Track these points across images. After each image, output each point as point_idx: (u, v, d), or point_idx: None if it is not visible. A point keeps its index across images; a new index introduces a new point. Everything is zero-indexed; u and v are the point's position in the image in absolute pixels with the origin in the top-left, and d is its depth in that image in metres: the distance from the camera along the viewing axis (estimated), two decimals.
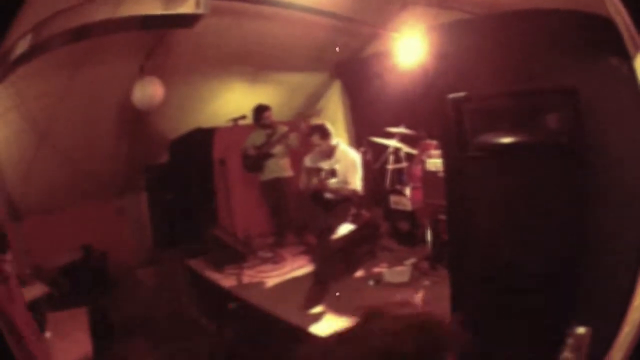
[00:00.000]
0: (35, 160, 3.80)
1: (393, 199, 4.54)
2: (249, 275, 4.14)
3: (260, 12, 4.21)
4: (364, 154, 4.59)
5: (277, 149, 4.81)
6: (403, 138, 4.66)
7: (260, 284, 4.02)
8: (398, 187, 4.60)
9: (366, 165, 4.53)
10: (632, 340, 1.54)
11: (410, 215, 4.39)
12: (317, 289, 3.61)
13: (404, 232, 4.45)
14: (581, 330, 1.96)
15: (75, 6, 2.74)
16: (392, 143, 4.67)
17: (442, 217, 3.80)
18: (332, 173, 3.98)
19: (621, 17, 1.61)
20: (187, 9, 3.37)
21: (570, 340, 1.99)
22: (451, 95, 2.30)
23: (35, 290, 3.12)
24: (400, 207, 4.47)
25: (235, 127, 4.80)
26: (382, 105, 5.10)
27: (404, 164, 4.75)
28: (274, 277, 4.14)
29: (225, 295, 3.90)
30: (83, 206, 4.31)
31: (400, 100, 4.76)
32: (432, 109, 3.08)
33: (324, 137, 4.10)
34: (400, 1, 4.60)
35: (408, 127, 4.62)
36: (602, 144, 1.95)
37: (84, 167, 4.17)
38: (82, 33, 2.91)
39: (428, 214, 4.00)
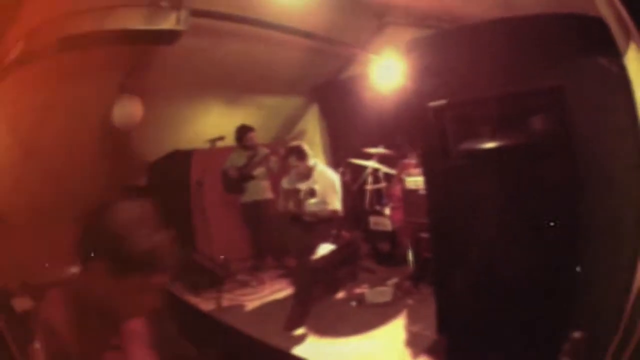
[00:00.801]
0: (21, 174, 3.71)
1: (373, 219, 4.53)
2: (228, 299, 4.04)
3: (239, 33, 4.23)
4: (343, 175, 4.58)
5: (258, 171, 4.77)
6: (381, 158, 4.69)
7: (240, 307, 3.93)
8: (377, 207, 4.60)
9: (345, 186, 4.53)
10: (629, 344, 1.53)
11: (390, 236, 4.38)
12: (298, 311, 3.53)
13: (385, 252, 4.44)
14: (578, 335, 1.95)
15: (63, 16, 2.73)
16: (371, 164, 4.69)
17: (424, 235, 3.82)
18: (311, 193, 3.95)
19: (611, 11, 1.61)
20: (167, 25, 3.38)
21: (567, 346, 1.98)
22: (432, 103, 2.31)
23: (25, 304, 3.02)
24: (380, 228, 4.46)
25: (214, 149, 4.74)
26: (360, 127, 5.15)
27: (383, 184, 4.76)
28: (253, 300, 4.05)
29: (205, 318, 3.79)
30: (67, 225, 4.17)
31: (378, 122, 4.81)
32: (412, 123, 3.09)
33: (301, 158, 4.09)
34: (377, 22, 4.70)
35: (386, 147, 4.64)
36: (591, 142, 1.96)
37: (66, 186, 4.06)
38: (68, 43, 2.89)
39: (409, 233, 4.00)
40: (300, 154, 4.09)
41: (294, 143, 4.21)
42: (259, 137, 4.99)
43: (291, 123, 6.04)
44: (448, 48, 2.56)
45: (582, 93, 2.02)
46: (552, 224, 2.10)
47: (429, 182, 2.70)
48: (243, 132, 4.80)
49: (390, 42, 4.51)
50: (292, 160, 4.11)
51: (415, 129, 2.85)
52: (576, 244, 2.09)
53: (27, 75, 2.95)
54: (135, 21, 3.25)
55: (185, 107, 4.87)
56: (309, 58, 5.10)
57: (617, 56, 1.72)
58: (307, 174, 4.11)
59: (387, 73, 4.39)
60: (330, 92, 5.67)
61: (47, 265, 3.75)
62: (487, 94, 2.19)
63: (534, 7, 2.31)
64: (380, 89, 4.52)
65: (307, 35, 4.44)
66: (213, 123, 5.10)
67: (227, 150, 4.88)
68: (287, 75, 5.34)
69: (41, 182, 3.96)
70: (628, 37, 1.60)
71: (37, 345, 2.70)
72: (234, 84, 5.02)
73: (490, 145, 2.16)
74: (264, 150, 4.80)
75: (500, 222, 2.25)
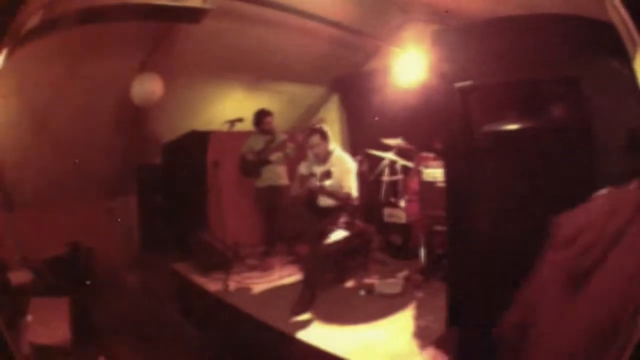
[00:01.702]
0: (30, 149, 3.70)
1: (387, 211, 4.46)
2: (236, 281, 4.01)
3: (263, 18, 4.21)
4: (360, 165, 4.51)
5: (275, 157, 4.75)
6: (400, 151, 4.61)
7: (246, 290, 3.89)
8: (393, 199, 4.53)
9: (361, 177, 4.46)
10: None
11: (404, 229, 4.31)
12: (306, 295, 3.48)
13: (397, 245, 4.36)
14: None
15: None
16: (389, 156, 4.62)
17: (438, 228, 3.75)
18: (327, 175, 3.89)
19: (620, 19, 1.63)
20: (194, 2, 3.36)
21: None
22: (458, 84, 2.27)
23: (22, 277, 3.04)
24: (394, 220, 4.39)
25: (231, 132, 4.72)
26: (379, 120, 5.09)
27: (399, 177, 4.69)
28: (261, 283, 4.01)
29: (211, 299, 3.77)
30: (74, 202, 4.18)
31: (399, 116, 4.74)
32: (436, 107, 3.04)
33: (324, 138, 4.05)
34: (401, 17, 4.63)
35: (405, 139, 4.57)
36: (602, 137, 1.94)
37: (78, 161, 4.07)
38: (91, 15, 2.87)
39: (424, 226, 3.93)
40: (323, 134, 4.05)
41: (317, 125, 4.17)
42: (279, 123, 4.97)
43: (311, 112, 5.99)
44: (472, 39, 2.53)
45: (594, 90, 1.99)
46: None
47: (449, 167, 2.64)
48: (261, 116, 4.78)
49: (414, 37, 4.46)
50: (315, 139, 4.06)
51: (439, 112, 2.79)
52: None
53: (45, 46, 2.96)
54: None
55: (205, 89, 4.86)
56: (333, 48, 5.06)
57: (627, 60, 1.72)
58: (325, 157, 4.05)
59: (410, 67, 4.34)
60: (352, 84, 5.62)
61: None
62: (504, 78, 2.14)
63: (552, 8, 2.28)
64: (402, 82, 4.45)
65: (333, 24, 4.40)
66: (233, 107, 5.08)
67: (245, 134, 4.86)
68: (310, 65, 5.29)
69: (51, 158, 3.97)
70: (635, 44, 1.62)
71: (29, 318, 2.73)
72: (256, 69, 5.00)
73: (513, 126, 2.10)
74: (282, 136, 4.78)
75: (516, 209, 2.19)
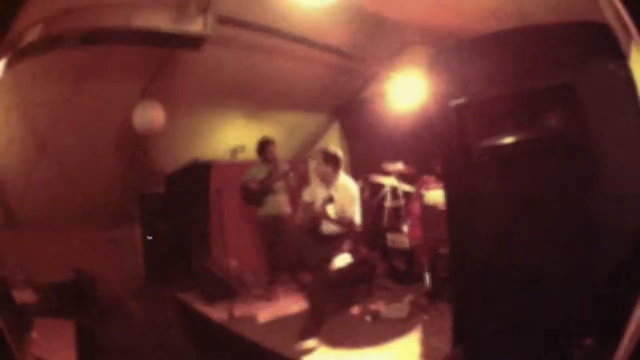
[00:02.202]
0: (32, 169, 3.72)
1: (390, 237, 4.47)
2: (240, 309, 3.99)
3: (264, 46, 4.31)
4: (362, 191, 4.55)
5: (277, 186, 4.80)
6: (401, 176, 4.65)
7: (252, 318, 3.87)
8: (395, 224, 4.54)
9: (364, 203, 4.49)
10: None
11: (407, 254, 4.31)
12: (312, 321, 3.47)
13: (401, 270, 4.35)
14: (589, 341, 1.90)
15: (89, 7, 2.78)
16: (390, 181, 4.65)
17: (442, 251, 3.75)
18: (330, 200, 3.93)
19: (614, 14, 1.64)
20: (194, 29, 3.45)
21: (578, 353, 1.92)
22: (454, 101, 2.32)
23: (26, 296, 3.03)
24: (397, 245, 4.39)
25: (233, 161, 4.79)
26: (380, 146, 5.14)
27: (401, 202, 4.71)
28: (266, 311, 3.99)
29: (216, 328, 3.75)
30: (77, 228, 4.19)
31: (399, 140, 4.80)
32: (434, 126, 3.10)
33: (337, 169, 4.11)
34: (399, 41, 4.73)
35: (406, 164, 4.62)
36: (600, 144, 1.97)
37: (80, 187, 4.09)
38: (92, 37, 2.95)
39: (427, 250, 3.94)
40: (337, 164, 4.11)
41: (331, 149, 4.23)
42: (280, 152, 5.02)
43: (312, 140, 6.05)
44: (467, 57, 2.60)
45: (591, 96, 2.04)
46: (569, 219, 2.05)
47: (448, 185, 2.68)
48: (265, 145, 4.85)
49: (412, 60, 4.55)
50: (327, 167, 4.11)
51: (437, 132, 2.85)
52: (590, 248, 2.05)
53: (47, 63, 3.01)
54: (161, 21, 3.33)
55: (206, 117, 4.93)
56: (332, 75, 5.15)
57: (623, 60, 1.76)
58: (331, 180, 4.10)
59: (408, 91, 4.42)
60: (351, 111, 5.69)
61: None
62: (503, 92, 2.20)
63: (545, 17, 2.34)
64: (401, 107, 4.53)
65: (331, 50, 4.50)
66: (234, 135, 5.14)
67: (247, 164, 4.92)
68: (310, 93, 5.38)
69: (53, 181, 3.97)
70: (630, 39, 1.64)
71: (34, 335, 2.73)
72: (256, 98, 5.08)
73: (509, 140, 2.15)
74: (284, 166, 4.83)
75: (516, 219, 2.22)
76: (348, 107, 5.72)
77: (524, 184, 2.18)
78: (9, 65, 2.46)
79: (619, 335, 1.70)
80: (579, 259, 2.17)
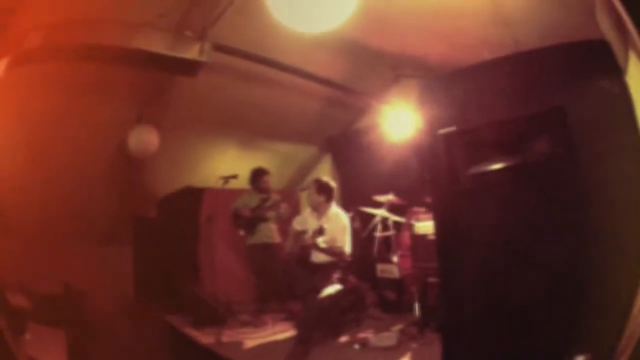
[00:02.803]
0: (25, 179, 3.67)
1: (380, 267, 4.48)
2: (228, 335, 3.94)
3: (259, 76, 4.40)
4: (352, 221, 4.59)
5: (269, 215, 4.82)
6: (391, 207, 4.70)
7: (239, 344, 3.82)
8: (385, 255, 4.56)
9: (354, 234, 4.52)
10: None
11: (397, 284, 4.32)
12: (299, 349, 3.44)
13: (391, 300, 4.34)
14: (580, 358, 1.91)
15: (89, 21, 2.84)
16: (380, 212, 4.70)
17: (431, 280, 3.77)
18: (320, 231, 3.96)
19: (611, 25, 1.67)
20: (190, 55, 3.53)
21: None
22: (442, 130, 2.39)
23: (20, 300, 2.98)
24: (387, 275, 4.40)
25: (225, 189, 4.81)
26: (371, 177, 5.20)
27: (391, 232, 4.74)
28: (254, 338, 3.95)
29: (204, 352, 3.69)
30: (69, 242, 4.14)
31: (390, 172, 4.87)
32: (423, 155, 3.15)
33: (329, 199, 4.15)
34: (390, 73, 4.86)
35: (396, 195, 4.68)
36: (595, 161, 2.00)
37: (74, 204, 4.07)
38: (92, 53, 3.00)
39: (417, 280, 3.95)
40: (329, 196, 4.16)
41: (325, 179, 4.28)
42: (272, 182, 5.07)
43: (304, 171, 6.10)
44: (457, 86, 2.69)
45: (586, 115, 2.08)
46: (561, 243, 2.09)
47: (437, 213, 2.72)
48: (259, 174, 4.90)
49: (404, 93, 4.67)
50: (319, 199, 4.16)
51: (426, 160, 2.91)
52: (582, 267, 2.08)
53: (47, 73, 3.04)
54: (159, 45, 3.41)
55: (200, 144, 4.98)
56: (325, 107, 5.25)
57: (618, 75, 1.78)
58: (323, 210, 4.14)
59: (399, 123, 4.52)
60: (344, 142, 5.78)
61: None
62: (493, 120, 2.26)
63: (538, 43, 2.42)
64: (392, 139, 4.62)
65: (324, 81, 4.62)
66: (227, 163, 5.18)
67: (238, 191, 4.95)
68: (303, 124, 5.47)
69: (48, 194, 3.91)
70: (627, 50, 1.66)
71: (28, 336, 2.69)
72: (249, 127, 5.15)
73: (497, 166, 2.21)
74: (277, 196, 4.87)
75: (507, 245, 2.25)
76: (340, 139, 5.80)
77: (513, 212, 2.23)
78: (9, 68, 2.49)
79: (612, 350, 1.72)
80: (572, 285, 2.19)
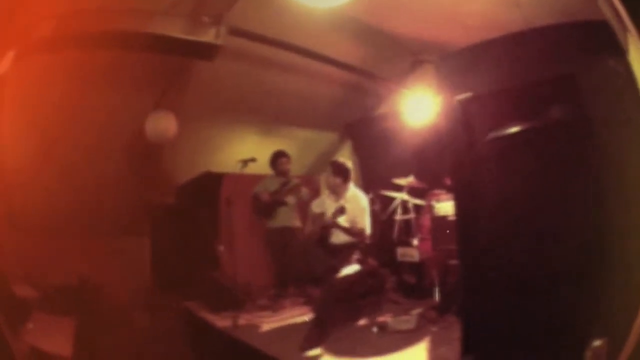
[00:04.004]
0: (37, 172, 3.70)
1: (400, 251, 4.40)
2: (245, 318, 3.93)
3: (277, 62, 4.36)
4: (372, 204, 4.52)
5: (289, 199, 4.80)
6: (411, 190, 4.62)
7: (256, 327, 3.80)
8: (405, 238, 4.49)
9: (374, 216, 4.46)
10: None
11: (417, 267, 4.24)
12: (317, 331, 3.39)
13: (411, 284, 4.27)
14: (599, 343, 1.85)
15: (104, 9, 2.84)
16: (400, 196, 4.62)
17: (452, 262, 3.68)
18: (341, 210, 3.92)
19: (612, 9, 1.67)
20: (206, 38, 3.51)
21: (589, 354, 1.87)
22: (459, 97, 2.33)
23: (26, 291, 3.00)
24: (407, 259, 4.33)
25: (245, 174, 4.80)
26: (391, 163, 5.13)
27: (411, 215, 4.66)
28: (271, 322, 3.92)
29: (221, 335, 3.69)
30: (83, 235, 4.17)
31: (410, 158, 4.79)
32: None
33: (346, 180, 4.11)
34: (412, 58, 4.76)
35: (417, 178, 4.60)
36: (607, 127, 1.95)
37: (87, 194, 4.09)
38: (106, 41, 2.99)
39: (437, 262, 3.87)
40: (346, 176, 4.12)
41: (340, 160, 4.25)
42: (293, 169, 5.04)
43: (325, 158, 6.05)
44: (471, 61, 2.62)
45: (593, 90, 2.03)
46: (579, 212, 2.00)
47: (457, 177, 2.64)
48: (277, 157, 4.89)
49: (424, 78, 4.57)
50: (337, 180, 4.13)
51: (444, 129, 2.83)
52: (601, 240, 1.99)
53: (58, 63, 3.04)
54: (174, 29, 3.40)
55: (219, 130, 4.97)
56: (344, 93, 5.19)
57: (622, 55, 1.77)
58: (340, 192, 4.09)
59: (420, 108, 4.43)
60: (364, 129, 5.71)
61: None
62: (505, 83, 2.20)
63: (545, 21, 2.35)
64: (412, 124, 4.53)
65: (344, 66, 4.55)
66: (246, 149, 5.16)
67: (258, 176, 4.94)
68: (322, 110, 5.42)
69: (57, 187, 3.93)
70: (626, 34, 1.67)
71: (31, 325, 2.71)
72: (269, 113, 5.12)
73: (513, 130, 2.13)
74: (296, 180, 4.84)
75: (525, 213, 2.17)
76: (360, 125, 5.74)
77: (530, 180, 2.15)
78: (16, 59, 2.49)
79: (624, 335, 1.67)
80: (590, 256, 2.10)
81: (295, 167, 5.70)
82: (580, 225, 2.05)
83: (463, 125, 2.31)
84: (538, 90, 2.15)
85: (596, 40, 1.97)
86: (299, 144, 5.83)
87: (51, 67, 3.14)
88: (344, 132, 5.97)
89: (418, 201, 4.60)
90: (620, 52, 1.77)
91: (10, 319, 2.28)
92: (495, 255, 2.46)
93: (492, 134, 2.20)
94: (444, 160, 3.93)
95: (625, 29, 1.71)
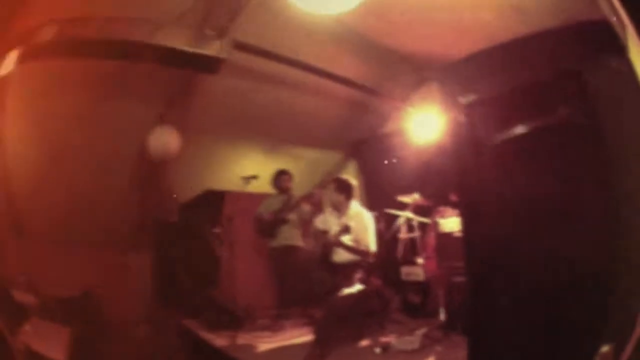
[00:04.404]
0: (43, 181, 3.65)
1: (405, 270, 4.29)
2: (244, 338, 3.81)
3: (282, 79, 4.35)
4: (377, 221, 4.43)
5: (291, 218, 4.72)
6: (416, 208, 4.52)
7: (254, 347, 3.69)
8: (410, 257, 4.37)
9: (378, 235, 4.35)
10: None
11: (422, 286, 4.11)
12: (317, 351, 3.28)
13: (416, 304, 4.13)
14: (606, 349, 1.77)
15: (111, 18, 2.84)
16: (405, 214, 4.53)
17: (457, 279, 3.56)
18: (346, 230, 3.83)
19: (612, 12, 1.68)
20: (210, 51, 3.50)
21: None
22: (462, 99, 2.26)
23: (26, 298, 2.94)
24: (412, 278, 4.20)
25: (247, 193, 4.75)
26: (397, 183, 5.05)
27: (416, 234, 4.55)
28: (271, 342, 3.80)
29: (218, 355, 3.57)
30: (88, 247, 4.11)
31: (416, 177, 4.71)
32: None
33: (349, 197, 4.04)
34: (417, 77, 4.73)
35: (422, 195, 4.50)
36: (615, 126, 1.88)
37: (92, 207, 4.04)
38: (112, 49, 2.99)
39: (442, 280, 3.75)
40: (349, 194, 4.05)
41: (344, 177, 4.18)
42: (297, 189, 4.98)
43: (330, 178, 6.00)
44: (473, 67, 2.58)
45: (599, 89, 1.98)
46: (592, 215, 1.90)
47: (464, 180, 2.55)
48: (279, 174, 4.83)
49: (429, 96, 4.53)
50: (340, 198, 4.05)
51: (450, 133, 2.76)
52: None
53: (64, 69, 3.02)
54: (178, 41, 3.40)
55: (222, 148, 4.94)
56: (349, 112, 5.16)
57: (623, 52, 1.75)
58: (343, 209, 4.01)
59: (426, 127, 4.38)
60: (369, 148, 5.66)
61: None
62: (511, 86, 2.13)
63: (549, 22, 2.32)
64: (418, 142, 4.47)
65: (349, 83, 4.52)
66: (250, 168, 5.12)
67: (261, 195, 4.87)
68: (327, 129, 5.38)
69: (64, 198, 3.90)
70: (625, 29, 1.66)
71: (28, 327, 2.64)
72: (273, 132, 5.08)
73: (520, 130, 2.06)
74: (298, 198, 4.77)
75: (535, 217, 2.07)
76: (365, 144, 5.68)
77: (539, 183, 2.06)
78: (20, 61, 2.48)
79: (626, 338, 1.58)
80: (603, 268, 2.00)
81: (301, 188, 5.63)
82: (596, 232, 1.95)
83: (469, 134, 2.25)
84: (544, 89, 2.09)
85: (596, 38, 1.93)
86: (304, 164, 5.77)
87: (56, 73, 3.14)
88: (349, 151, 5.92)
89: (423, 219, 4.50)
90: (621, 50, 1.74)
91: (8, 321, 2.25)
92: (505, 267, 2.36)
93: (499, 137, 2.13)
94: (449, 178, 3.87)
95: (623, 25, 1.69)
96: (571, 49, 2.12)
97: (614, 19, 1.75)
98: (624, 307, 1.83)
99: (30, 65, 2.81)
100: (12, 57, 2.36)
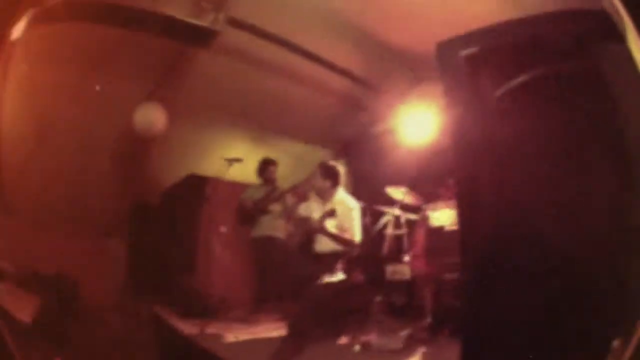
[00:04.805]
0: (30, 156, 3.49)
1: (391, 268, 4.10)
2: (215, 327, 3.60)
3: (277, 65, 4.21)
4: (363, 215, 4.26)
5: (274, 208, 4.56)
6: (406, 205, 4.37)
7: (224, 337, 3.49)
8: (396, 255, 4.20)
9: (364, 230, 4.19)
10: None
11: (408, 286, 3.94)
12: (290, 346, 3.08)
13: (401, 304, 3.95)
14: (617, 343, 1.65)
15: None
16: (393, 211, 4.37)
17: (448, 276, 3.41)
18: (331, 213, 3.65)
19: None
20: (204, 22, 3.40)
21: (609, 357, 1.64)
22: (464, 51, 2.14)
23: (2, 264, 2.96)
24: (397, 277, 4.02)
25: (230, 181, 4.58)
26: (388, 182, 4.93)
27: (404, 231, 4.39)
28: (242, 333, 3.59)
29: (187, 343, 3.36)
30: (69, 229, 3.95)
31: (407, 176, 4.59)
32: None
33: (335, 184, 3.86)
34: (412, 75, 4.63)
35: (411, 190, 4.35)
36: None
37: (76, 186, 3.87)
38: (108, 13, 2.85)
39: (431, 279, 3.58)
40: (336, 181, 3.87)
41: (330, 163, 4.02)
42: (285, 184, 4.85)
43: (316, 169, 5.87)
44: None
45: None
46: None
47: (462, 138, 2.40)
48: (265, 164, 4.65)
49: (424, 95, 4.43)
50: (325, 183, 3.88)
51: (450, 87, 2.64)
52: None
53: (61, 35, 2.88)
54: (176, 10, 3.29)
55: (209, 132, 4.78)
56: (342, 107, 5.02)
57: (622, 42, 1.70)
58: (328, 196, 3.83)
59: (421, 126, 4.26)
60: (360, 146, 5.53)
61: None
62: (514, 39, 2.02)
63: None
64: (411, 142, 4.35)
65: (343, 71, 4.40)
66: (235, 155, 4.98)
67: (245, 185, 4.72)
68: (319, 123, 5.23)
69: (49, 175, 3.76)
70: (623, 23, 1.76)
71: (2, 286, 2.53)
72: (262, 118, 4.94)
73: (523, 79, 1.93)
74: (282, 188, 4.62)
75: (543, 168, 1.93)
76: (357, 141, 5.56)
77: (543, 143, 1.93)
78: (28, 26, 2.34)
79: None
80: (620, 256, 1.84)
81: (288, 182, 5.48)
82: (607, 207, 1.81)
83: (469, 82, 2.14)
84: (546, 40, 1.99)
85: (597, 27, 1.87)
86: (293, 158, 5.61)
87: (56, 40, 2.99)
88: (339, 148, 5.78)
89: (412, 216, 4.33)
90: (620, 39, 1.71)
91: None
92: (505, 260, 2.17)
93: (501, 89, 2.00)
94: (442, 177, 3.74)
95: (621, 17, 1.70)
96: (572, 29, 2.05)
97: (612, 9, 1.75)
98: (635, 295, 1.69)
99: (35, 31, 2.67)
100: (24, 20, 2.20)
